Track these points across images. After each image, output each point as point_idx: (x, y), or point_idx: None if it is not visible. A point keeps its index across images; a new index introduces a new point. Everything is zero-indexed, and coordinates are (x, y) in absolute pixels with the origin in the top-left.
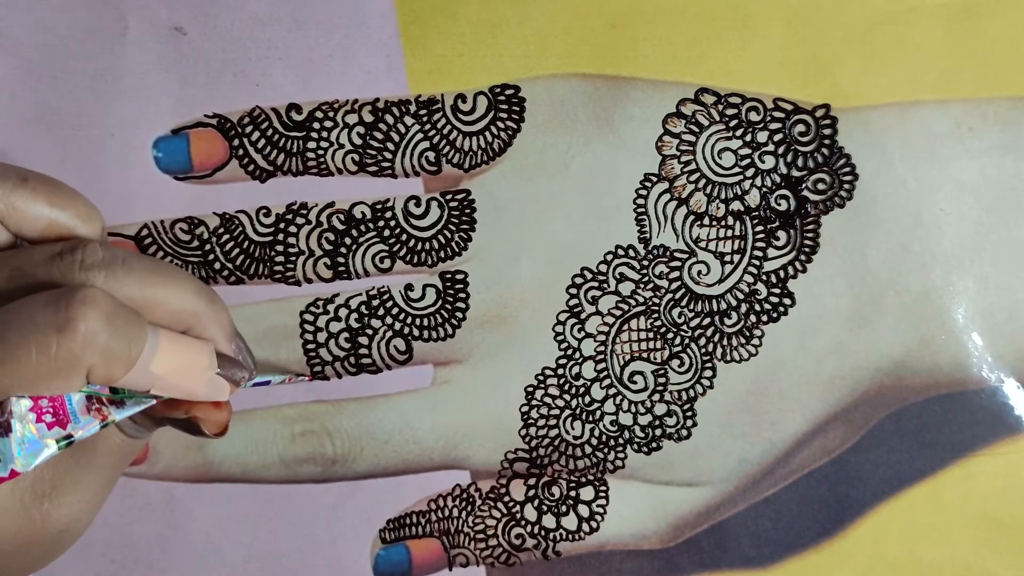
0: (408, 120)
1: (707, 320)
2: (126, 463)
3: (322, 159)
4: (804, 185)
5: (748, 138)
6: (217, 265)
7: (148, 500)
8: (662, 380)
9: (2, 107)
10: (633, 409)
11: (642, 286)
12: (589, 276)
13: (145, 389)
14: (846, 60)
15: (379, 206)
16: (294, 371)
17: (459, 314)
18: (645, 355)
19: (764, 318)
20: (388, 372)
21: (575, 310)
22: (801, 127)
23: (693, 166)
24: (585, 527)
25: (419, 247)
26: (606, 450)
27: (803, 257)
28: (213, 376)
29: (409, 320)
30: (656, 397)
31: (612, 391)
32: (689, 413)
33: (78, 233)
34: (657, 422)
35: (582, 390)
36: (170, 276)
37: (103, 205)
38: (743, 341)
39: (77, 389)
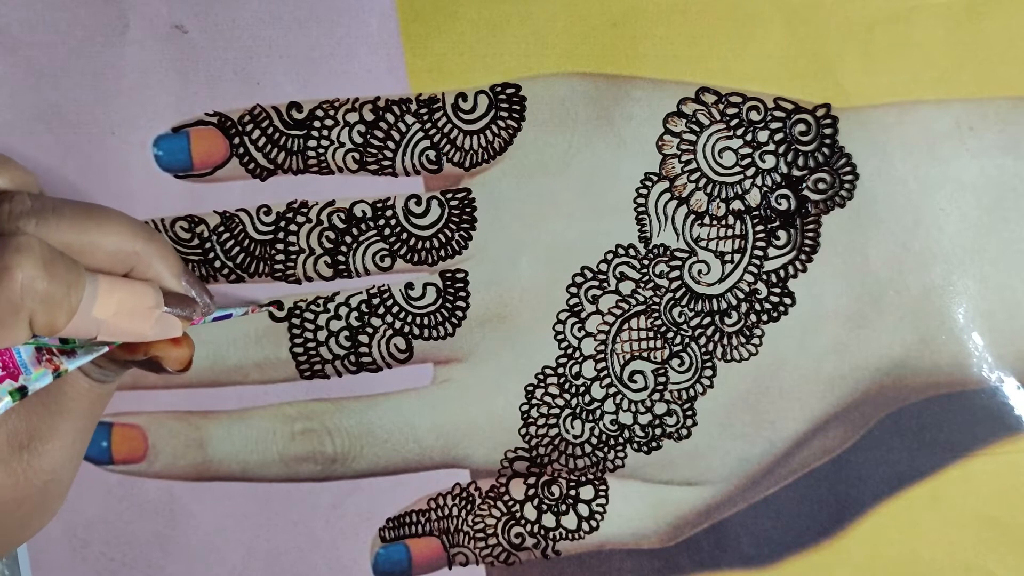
0: (409, 119)
1: (707, 319)
2: (101, 407)
3: (323, 157)
4: (805, 184)
5: (749, 137)
6: (217, 263)
7: (148, 498)
8: (662, 379)
9: (2, 105)
10: (633, 408)
11: (642, 285)
12: (589, 275)
13: (92, 336)
14: (847, 59)
15: (380, 205)
16: (258, 302)
17: (459, 313)
18: (645, 354)
19: (764, 317)
20: (388, 371)
21: (575, 309)
22: (802, 126)
23: (694, 165)
24: (585, 526)
25: (420, 246)
26: (606, 449)
27: (803, 257)
28: (161, 315)
29: (409, 319)
30: (656, 396)
31: (612, 390)
32: (689, 412)
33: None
34: (657, 421)
35: (582, 389)
36: (104, 217)
37: (103, 203)
38: (743, 340)
39: (23, 340)
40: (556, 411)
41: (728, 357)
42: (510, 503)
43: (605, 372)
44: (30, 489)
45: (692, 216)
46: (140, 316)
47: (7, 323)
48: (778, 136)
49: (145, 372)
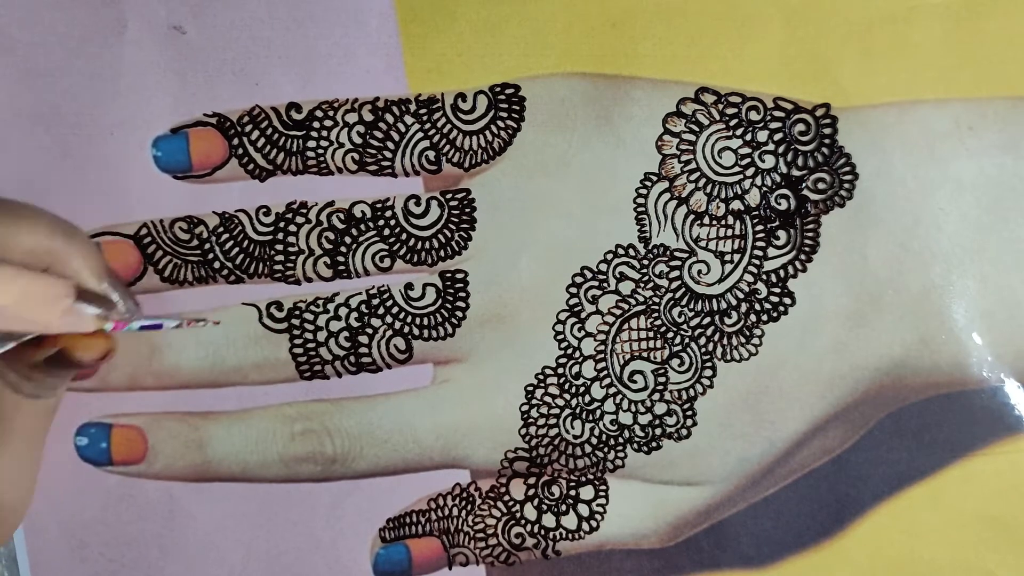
0: (408, 119)
1: (707, 319)
2: (45, 423)
3: (322, 158)
4: (804, 184)
5: (748, 137)
6: (217, 264)
7: (147, 499)
8: (662, 379)
9: (1, 106)
10: (633, 408)
11: (642, 285)
12: (589, 275)
13: None
14: (846, 59)
15: (379, 205)
16: (192, 316)
17: (459, 313)
18: (645, 354)
19: (764, 317)
20: (388, 371)
21: (575, 309)
22: (801, 126)
23: (693, 165)
24: (585, 526)
25: (419, 246)
26: (606, 449)
27: (803, 256)
28: (71, 305)
29: (409, 319)
30: (656, 396)
31: (612, 390)
32: (689, 412)
33: None
34: (657, 421)
35: (582, 389)
36: (19, 212)
37: (102, 204)
38: (743, 340)
39: None
40: (556, 411)
41: (728, 357)
42: (510, 503)
43: (605, 372)
44: None
45: (692, 216)
46: (45, 305)
47: None
48: (777, 136)
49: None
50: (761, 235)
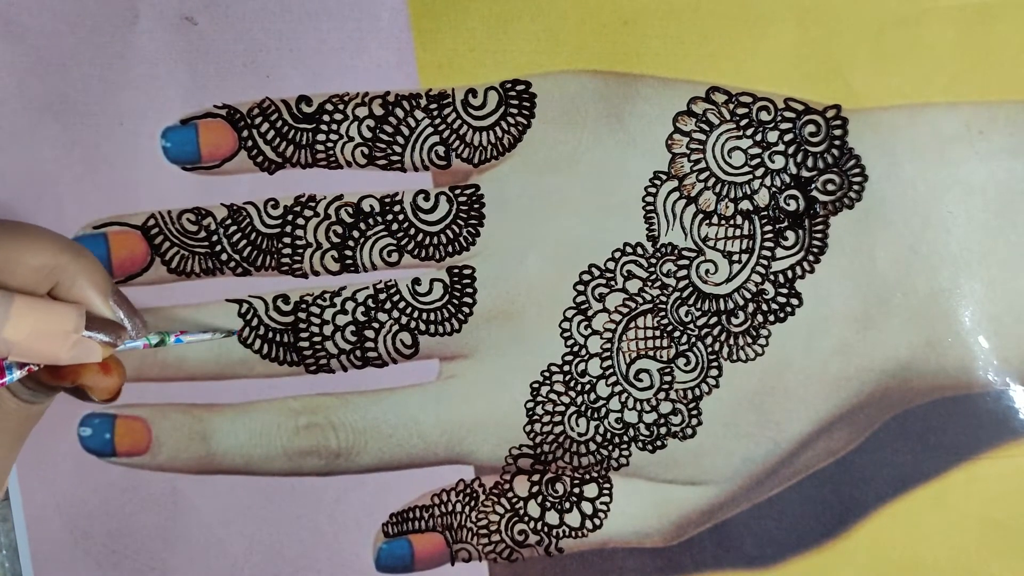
0: (418, 114)
1: (714, 319)
2: (28, 426)
3: (331, 151)
4: (813, 185)
5: (758, 137)
6: (224, 256)
7: (150, 491)
8: (668, 378)
9: (11, 94)
10: (638, 407)
11: (649, 284)
12: (597, 273)
13: (3, 356)
14: (857, 61)
15: (388, 200)
16: (222, 328)
17: (466, 309)
18: (651, 353)
19: (771, 318)
20: (394, 366)
21: (582, 307)
22: (811, 127)
23: (703, 164)
24: (588, 524)
25: (427, 241)
26: (610, 447)
27: (811, 257)
28: (79, 339)
29: (416, 314)
30: (662, 395)
31: (618, 388)
32: (694, 412)
33: None
34: (662, 420)
35: (588, 387)
36: (25, 232)
37: (110, 194)
38: (750, 341)
39: None
40: (561, 408)
41: (734, 357)
42: (514, 500)
43: (611, 370)
44: None
45: (700, 215)
46: (55, 339)
47: None
48: (788, 136)
49: (150, 363)
50: (769, 235)
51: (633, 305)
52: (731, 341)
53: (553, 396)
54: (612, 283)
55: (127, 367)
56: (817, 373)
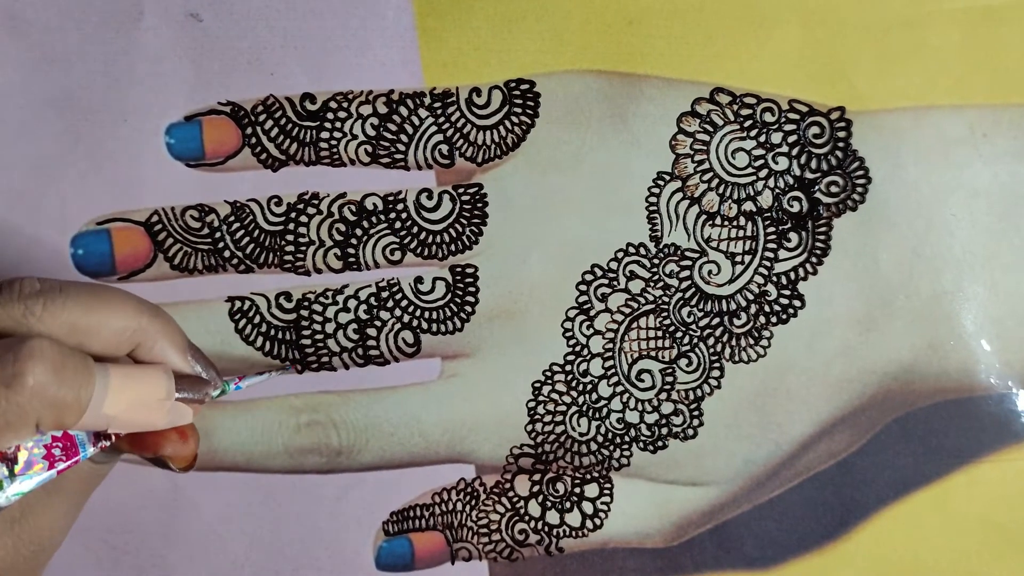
0: (422, 112)
1: (716, 320)
2: (94, 486)
3: (335, 149)
4: (817, 187)
5: (762, 139)
6: (227, 253)
7: (151, 487)
8: (669, 379)
9: (14, 90)
10: (640, 407)
11: (652, 284)
12: (599, 273)
13: (102, 428)
14: (862, 63)
15: (391, 198)
16: (275, 366)
17: (468, 308)
18: (653, 353)
19: (773, 319)
20: (396, 364)
21: (584, 307)
22: (815, 129)
23: (706, 165)
24: (589, 524)
25: (430, 240)
26: (612, 447)
27: (814, 259)
28: (173, 404)
29: (418, 313)
30: (663, 396)
31: (619, 389)
32: (696, 413)
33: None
34: (663, 421)
35: (589, 387)
36: (109, 296)
37: (114, 190)
38: (752, 342)
39: (27, 439)
40: (563, 408)
41: (736, 358)
42: (515, 499)
43: (613, 370)
44: (18, 559)
45: (703, 216)
46: (151, 408)
47: (14, 426)
48: (792, 138)
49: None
50: (772, 237)
51: (635, 305)
52: (733, 342)
53: (555, 396)
54: (615, 283)
55: None
56: (819, 375)
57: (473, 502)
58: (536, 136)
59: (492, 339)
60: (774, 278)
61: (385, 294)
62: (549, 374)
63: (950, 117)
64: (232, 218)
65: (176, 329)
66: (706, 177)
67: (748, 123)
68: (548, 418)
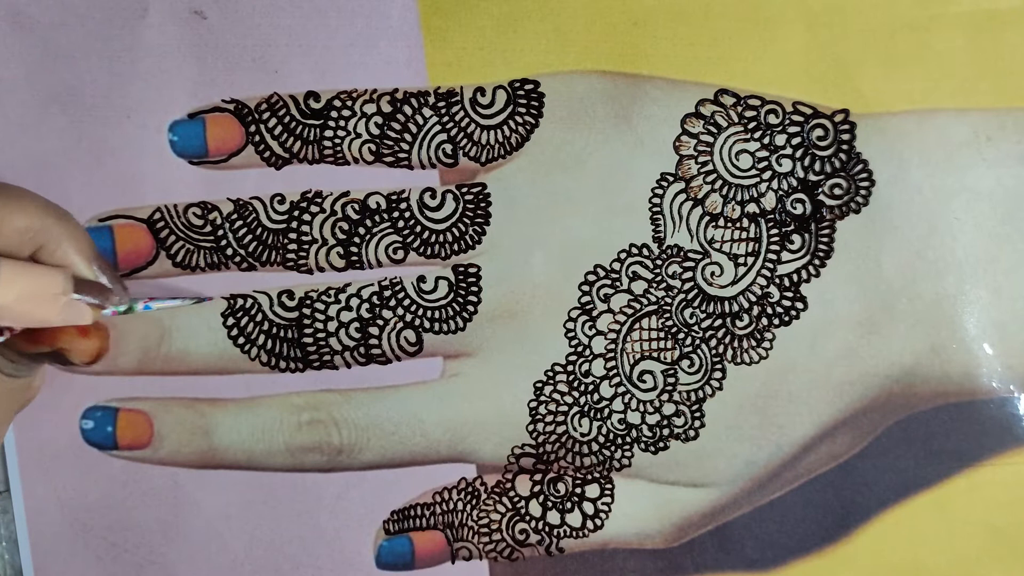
0: (426, 112)
1: (718, 321)
2: (14, 401)
3: (339, 148)
4: (820, 189)
5: (766, 141)
6: (229, 251)
7: (152, 485)
8: (671, 380)
9: (19, 86)
10: (641, 408)
11: (655, 285)
12: (602, 274)
13: None
14: (867, 66)
15: (394, 197)
16: (190, 294)
17: (470, 307)
18: (655, 354)
19: (776, 321)
20: (397, 363)
21: (587, 307)
22: (819, 131)
23: (710, 167)
24: (589, 524)
25: (433, 239)
26: (613, 448)
27: (817, 261)
28: (69, 301)
29: (420, 312)
30: (665, 397)
31: (621, 389)
32: (697, 414)
33: None
34: (665, 422)
35: (591, 387)
36: (13, 193)
37: (116, 187)
38: (754, 344)
39: None
40: (564, 408)
41: (738, 360)
42: (515, 499)
43: (615, 371)
44: None
45: (707, 218)
46: (45, 302)
47: None
48: (796, 140)
49: (152, 357)
50: (776, 239)
51: (638, 306)
52: (735, 344)
53: (556, 396)
54: (617, 284)
55: (131, 359)
56: (821, 377)
57: (474, 502)
58: (540, 136)
59: (494, 339)
60: (777, 280)
61: (388, 293)
62: (551, 374)
63: (954, 120)
64: (235, 216)
65: (83, 235)
66: (710, 179)
67: (752, 125)
68: (550, 418)
